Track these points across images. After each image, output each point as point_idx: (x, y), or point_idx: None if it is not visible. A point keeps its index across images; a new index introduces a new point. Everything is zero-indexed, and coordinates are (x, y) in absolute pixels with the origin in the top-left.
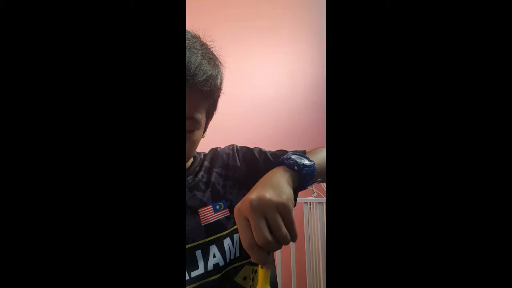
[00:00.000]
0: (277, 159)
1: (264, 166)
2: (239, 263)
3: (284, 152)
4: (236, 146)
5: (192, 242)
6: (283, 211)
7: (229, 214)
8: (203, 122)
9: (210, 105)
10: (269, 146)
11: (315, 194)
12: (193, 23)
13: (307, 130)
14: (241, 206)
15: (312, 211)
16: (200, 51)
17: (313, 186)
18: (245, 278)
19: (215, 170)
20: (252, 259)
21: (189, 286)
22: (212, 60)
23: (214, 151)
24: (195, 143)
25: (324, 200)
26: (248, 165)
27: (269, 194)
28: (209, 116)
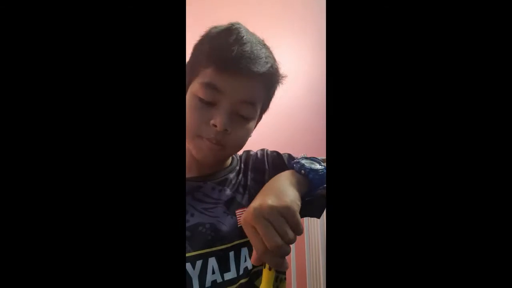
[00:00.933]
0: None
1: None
2: (260, 267)
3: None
4: (267, 150)
5: (228, 243)
6: (287, 214)
7: None
8: (258, 111)
9: (268, 96)
10: (269, 146)
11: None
12: (193, 23)
13: (307, 130)
14: (246, 216)
15: None
16: (256, 40)
17: None
18: None
19: (250, 174)
20: (268, 265)
21: None
22: (268, 48)
23: (247, 153)
24: (249, 132)
25: None
26: (276, 168)
27: (271, 200)
28: (264, 108)
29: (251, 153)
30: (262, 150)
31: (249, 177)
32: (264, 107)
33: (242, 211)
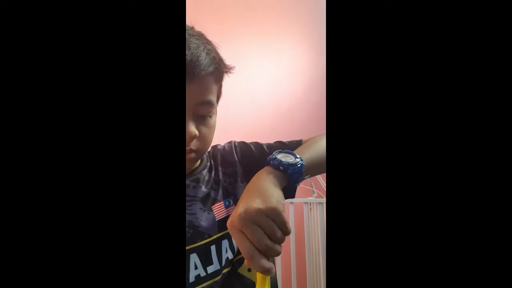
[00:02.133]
0: (273, 151)
1: (260, 157)
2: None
3: (281, 143)
4: (235, 142)
5: (208, 238)
6: (274, 215)
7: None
8: (216, 105)
9: (219, 88)
10: None
11: (315, 194)
12: (193, 23)
13: (307, 130)
14: (232, 220)
15: (312, 211)
16: (195, 37)
17: (313, 186)
18: (249, 270)
19: (220, 168)
20: (256, 270)
21: (207, 282)
22: (208, 43)
23: (214, 148)
24: (213, 129)
25: (324, 200)
26: (245, 158)
27: (256, 203)
28: (217, 101)
29: (219, 147)
30: (230, 142)
31: (220, 172)
32: (218, 98)
33: (218, 205)
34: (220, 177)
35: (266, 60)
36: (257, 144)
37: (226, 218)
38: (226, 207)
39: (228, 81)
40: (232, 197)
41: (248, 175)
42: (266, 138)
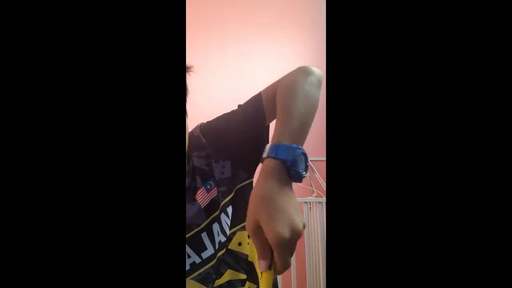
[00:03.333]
0: (237, 116)
1: (226, 127)
2: (231, 231)
3: (241, 106)
4: (201, 124)
5: (197, 227)
6: (298, 238)
7: (217, 191)
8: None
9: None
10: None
11: (315, 194)
12: (193, 23)
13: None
14: (262, 232)
15: (312, 211)
16: None
17: (313, 185)
18: (240, 244)
19: (194, 154)
20: (278, 269)
21: (204, 267)
22: None
23: (191, 132)
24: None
25: (324, 200)
26: (212, 137)
27: (289, 231)
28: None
29: (189, 133)
30: (197, 126)
31: (194, 158)
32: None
33: (200, 192)
34: (195, 163)
35: (267, 60)
36: (220, 116)
37: (211, 202)
38: (208, 190)
39: (228, 80)
40: (211, 179)
41: (221, 152)
42: None
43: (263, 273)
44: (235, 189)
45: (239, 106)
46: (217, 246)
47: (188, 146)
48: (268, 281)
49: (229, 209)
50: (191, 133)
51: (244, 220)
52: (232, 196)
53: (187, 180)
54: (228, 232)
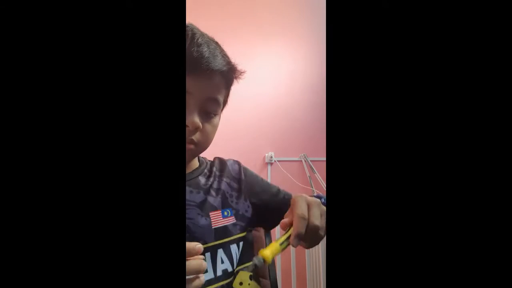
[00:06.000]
0: (277, 197)
1: (262, 188)
2: (236, 269)
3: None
4: (238, 162)
5: (204, 244)
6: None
7: (235, 221)
8: (221, 106)
9: (227, 92)
10: (268, 144)
11: (315, 194)
12: (193, 21)
13: (307, 129)
14: (304, 212)
15: None
16: (214, 42)
17: (313, 186)
18: (241, 284)
19: (225, 179)
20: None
21: None
22: (220, 46)
23: (221, 160)
24: (215, 128)
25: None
26: (249, 180)
27: (317, 222)
28: (224, 104)
29: (227, 161)
30: (235, 161)
31: (224, 182)
32: (224, 103)
33: (216, 213)
34: (223, 186)
35: (267, 60)
36: (265, 181)
37: (224, 228)
38: (224, 217)
39: None
40: (231, 209)
41: (249, 197)
42: (266, 138)
43: (272, 243)
44: (247, 229)
45: (279, 189)
46: (218, 273)
47: (219, 167)
48: (274, 250)
49: (241, 244)
50: (230, 161)
51: (248, 261)
52: (245, 235)
53: (203, 194)
54: (236, 265)
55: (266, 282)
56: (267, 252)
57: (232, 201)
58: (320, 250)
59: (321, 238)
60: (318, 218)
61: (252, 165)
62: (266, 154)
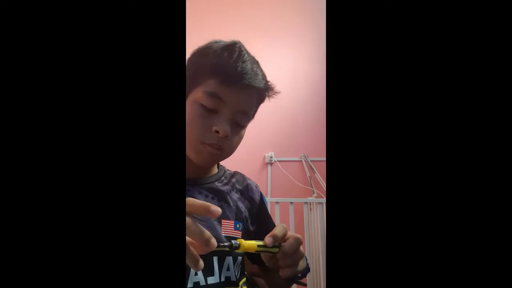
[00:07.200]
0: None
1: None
2: (240, 284)
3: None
4: (259, 189)
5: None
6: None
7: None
8: (250, 121)
9: (257, 108)
10: (269, 145)
11: (315, 194)
12: (194, 23)
13: (307, 130)
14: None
15: (312, 211)
16: (253, 58)
17: (313, 186)
18: None
19: (240, 194)
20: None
21: None
22: (260, 65)
23: (244, 177)
24: (240, 139)
25: (324, 200)
26: (261, 209)
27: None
28: (251, 118)
29: (249, 181)
30: (256, 185)
31: (243, 199)
32: (252, 117)
33: (228, 223)
34: (240, 202)
35: (267, 60)
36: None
37: (231, 237)
38: (236, 229)
39: None
40: (242, 223)
41: (256, 221)
42: (266, 138)
43: (254, 241)
44: None
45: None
46: (222, 279)
47: (242, 185)
48: (250, 245)
49: (240, 260)
50: (251, 182)
51: (242, 278)
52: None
53: (218, 201)
54: (237, 275)
55: None
56: (245, 242)
57: (245, 219)
58: (320, 250)
59: (301, 263)
60: (300, 238)
61: (252, 165)
62: (266, 154)
